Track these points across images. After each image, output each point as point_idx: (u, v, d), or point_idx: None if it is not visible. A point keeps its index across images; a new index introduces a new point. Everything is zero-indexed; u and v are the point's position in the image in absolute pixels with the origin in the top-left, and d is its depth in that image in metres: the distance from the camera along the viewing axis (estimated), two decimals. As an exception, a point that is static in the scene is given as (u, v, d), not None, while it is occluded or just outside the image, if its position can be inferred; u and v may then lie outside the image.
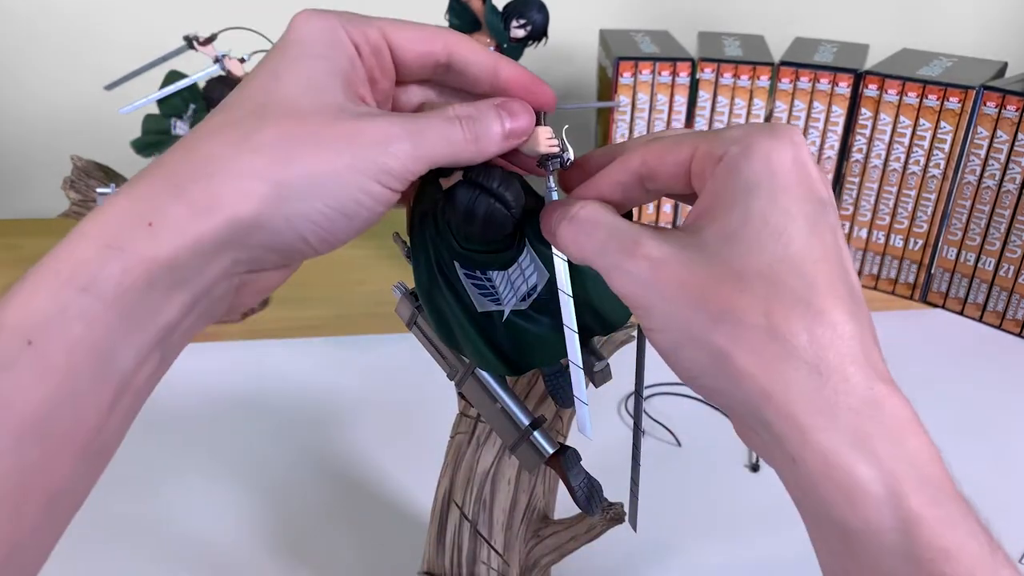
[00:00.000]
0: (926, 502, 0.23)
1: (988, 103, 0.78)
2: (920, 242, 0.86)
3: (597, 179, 0.30)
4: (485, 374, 0.35)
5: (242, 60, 0.74)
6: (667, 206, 0.95)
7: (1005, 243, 0.81)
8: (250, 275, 0.29)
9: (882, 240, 0.88)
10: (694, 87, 0.87)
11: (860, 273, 0.91)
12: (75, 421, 0.25)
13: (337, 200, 0.27)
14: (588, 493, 0.36)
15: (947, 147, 0.81)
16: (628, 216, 0.33)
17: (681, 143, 0.28)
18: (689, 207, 0.29)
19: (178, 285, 0.26)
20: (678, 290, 0.26)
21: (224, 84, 0.74)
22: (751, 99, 0.87)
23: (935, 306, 0.88)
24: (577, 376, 0.31)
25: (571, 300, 0.31)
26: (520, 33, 0.73)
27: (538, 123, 0.31)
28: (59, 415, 0.24)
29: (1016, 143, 0.77)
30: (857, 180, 0.87)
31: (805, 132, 0.87)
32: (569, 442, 0.41)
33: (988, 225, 0.81)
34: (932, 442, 0.25)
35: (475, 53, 0.31)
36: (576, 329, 0.31)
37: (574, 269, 0.32)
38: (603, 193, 0.30)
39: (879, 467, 0.23)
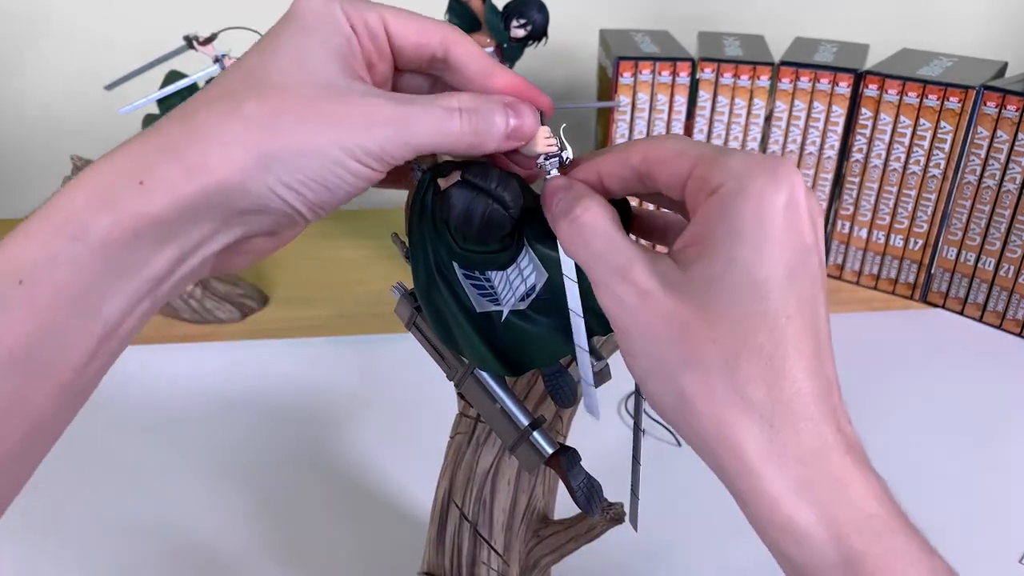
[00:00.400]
0: (869, 539, 0.25)
1: (988, 103, 0.78)
2: (920, 242, 0.86)
3: (598, 163, 0.31)
4: (484, 374, 0.35)
5: (242, 60, 0.74)
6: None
7: (1005, 243, 0.81)
8: (242, 239, 0.30)
9: (882, 240, 0.88)
10: (694, 87, 0.87)
11: (860, 273, 0.91)
12: (59, 357, 0.27)
13: (318, 173, 0.28)
14: (588, 493, 0.36)
15: (947, 147, 0.81)
16: (627, 206, 0.33)
17: (683, 157, 0.29)
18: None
19: (166, 240, 0.28)
20: (658, 325, 0.27)
21: (224, 84, 0.74)
22: (751, 99, 0.87)
23: (935, 306, 0.88)
24: (584, 360, 0.31)
25: (576, 285, 0.31)
26: (520, 33, 0.73)
27: None
28: (43, 350, 0.26)
29: (1016, 143, 0.77)
30: (857, 180, 0.87)
31: (805, 132, 0.87)
32: (570, 440, 0.41)
33: (988, 225, 0.81)
34: (878, 481, 0.27)
35: (470, 54, 0.31)
36: (582, 314, 0.31)
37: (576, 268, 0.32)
38: (601, 180, 0.31)
39: (822, 512, 0.25)
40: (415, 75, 0.33)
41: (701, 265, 0.27)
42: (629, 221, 0.33)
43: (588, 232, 0.29)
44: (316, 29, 0.29)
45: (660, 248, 0.32)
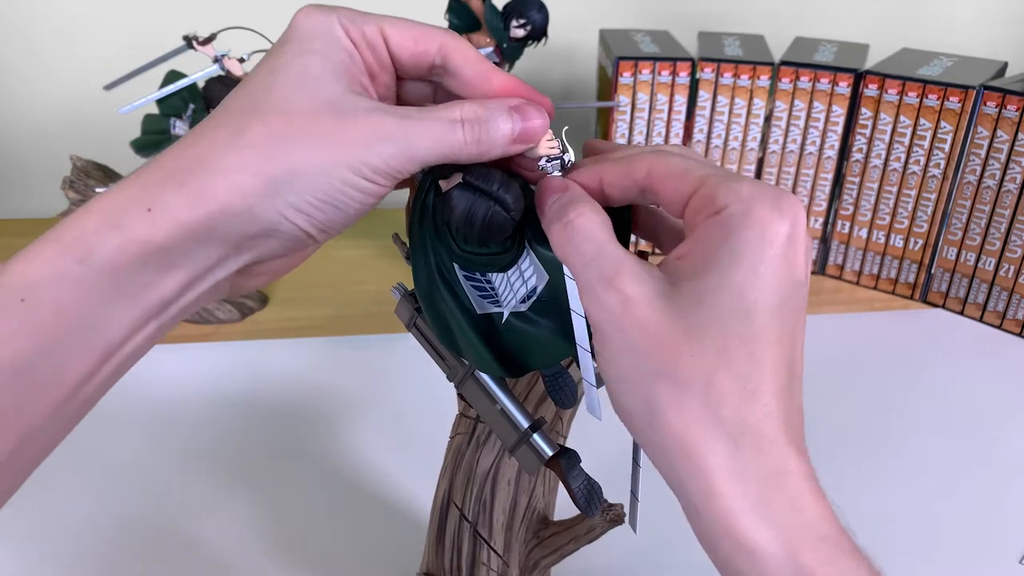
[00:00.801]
0: (822, 560, 0.26)
1: (988, 103, 0.78)
2: (920, 242, 0.86)
3: (602, 169, 0.31)
4: (484, 376, 0.35)
5: (241, 60, 0.74)
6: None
7: (1005, 243, 0.81)
8: (254, 262, 0.30)
9: (882, 240, 0.88)
10: (694, 87, 0.87)
11: (860, 273, 0.91)
12: (56, 375, 0.27)
13: (325, 193, 0.28)
14: (588, 495, 0.36)
15: (947, 147, 0.81)
16: (628, 214, 0.33)
17: (688, 176, 0.29)
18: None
19: (174, 265, 0.28)
20: (637, 333, 0.27)
21: (223, 84, 0.74)
22: (751, 99, 0.87)
23: (935, 306, 0.88)
24: (585, 360, 0.31)
25: (575, 284, 0.31)
26: (520, 33, 0.73)
27: None
28: (41, 367, 0.27)
29: (1016, 143, 0.77)
30: (857, 180, 0.87)
31: (805, 132, 0.87)
32: (570, 441, 0.41)
33: (988, 225, 0.81)
34: (829, 505, 0.27)
35: (468, 59, 0.31)
36: (583, 314, 0.31)
37: None
38: (602, 187, 0.31)
39: (777, 530, 0.26)
40: (417, 83, 0.33)
41: (693, 280, 0.27)
42: (629, 229, 0.33)
43: (580, 237, 0.29)
44: (317, 47, 0.29)
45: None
